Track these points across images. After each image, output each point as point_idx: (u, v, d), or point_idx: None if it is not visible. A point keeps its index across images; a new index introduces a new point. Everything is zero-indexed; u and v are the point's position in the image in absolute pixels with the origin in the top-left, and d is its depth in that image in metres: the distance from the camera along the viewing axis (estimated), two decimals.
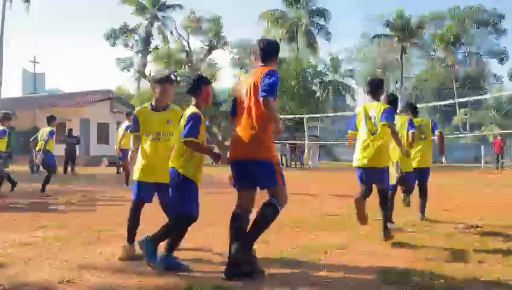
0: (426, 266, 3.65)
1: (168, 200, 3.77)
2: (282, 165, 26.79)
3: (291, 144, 26.81)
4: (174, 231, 3.58)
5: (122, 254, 3.88)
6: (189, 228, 3.65)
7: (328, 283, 3.28)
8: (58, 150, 17.44)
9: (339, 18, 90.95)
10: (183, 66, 27.70)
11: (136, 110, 4.14)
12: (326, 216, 6.33)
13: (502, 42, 55.44)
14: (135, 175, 3.93)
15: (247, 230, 3.43)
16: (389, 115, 4.55)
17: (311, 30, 37.81)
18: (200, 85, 3.66)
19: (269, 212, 3.48)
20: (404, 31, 41.84)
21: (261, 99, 3.24)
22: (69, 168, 16.44)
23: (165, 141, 3.87)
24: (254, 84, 3.37)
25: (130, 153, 4.01)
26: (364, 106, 4.77)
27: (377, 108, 4.61)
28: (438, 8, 67.06)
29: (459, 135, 34.41)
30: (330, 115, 27.22)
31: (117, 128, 12.98)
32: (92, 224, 5.55)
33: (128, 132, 3.85)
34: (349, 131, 4.98)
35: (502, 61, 49.42)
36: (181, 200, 3.52)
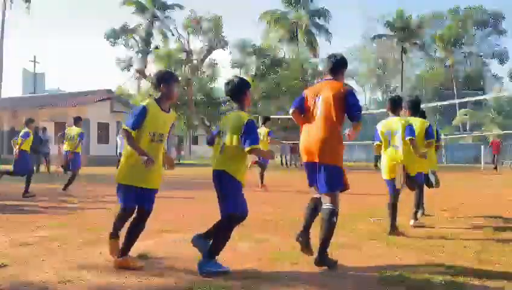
0: (426, 266, 3.65)
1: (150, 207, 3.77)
2: (282, 165, 26.84)
3: (291, 143, 26.82)
4: (227, 231, 3.61)
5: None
6: (189, 228, 3.64)
7: (328, 283, 3.28)
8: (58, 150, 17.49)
9: (339, 18, 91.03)
10: (183, 66, 27.68)
11: (147, 102, 3.62)
12: None
13: (502, 43, 55.47)
14: (124, 178, 3.68)
15: (321, 236, 3.67)
16: (412, 129, 5.09)
17: (311, 30, 37.78)
18: (244, 89, 3.71)
19: (334, 219, 3.71)
20: (404, 31, 41.86)
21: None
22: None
23: (161, 143, 3.72)
24: (333, 96, 3.75)
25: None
26: (387, 122, 5.19)
27: (398, 123, 5.09)
28: (438, 8, 67.12)
29: (459, 136, 34.44)
30: None
31: (117, 128, 12.99)
32: (92, 224, 5.55)
33: (128, 127, 3.49)
34: (376, 142, 5.31)
35: (502, 61, 49.47)
36: (235, 201, 3.58)
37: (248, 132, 3.48)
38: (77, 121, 9.85)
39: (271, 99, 27.04)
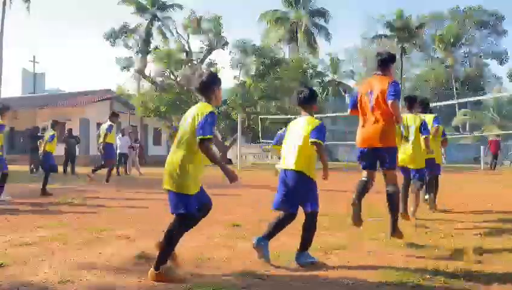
0: (426, 266, 3.66)
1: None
2: None
3: None
4: (313, 229, 3.84)
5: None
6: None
7: (328, 283, 3.28)
8: (58, 150, 17.49)
9: (339, 18, 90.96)
10: (183, 66, 27.65)
11: (212, 108, 3.41)
12: (325, 216, 6.32)
13: (501, 43, 55.53)
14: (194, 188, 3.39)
15: (391, 206, 4.60)
16: (426, 128, 5.92)
17: (311, 30, 37.80)
18: (315, 98, 4.08)
19: (396, 193, 4.64)
20: (404, 31, 41.85)
21: (389, 102, 4.38)
22: (68, 168, 16.43)
23: None
24: (382, 90, 4.46)
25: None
26: (403, 118, 5.56)
27: (413, 119, 5.81)
28: (438, 8, 67.11)
29: (459, 136, 34.44)
30: (330, 115, 27.17)
31: (116, 129, 13.05)
32: (92, 224, 5.55)
33: (210, 136, 3.22)
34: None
35: (501, 62, 49.49)
36: (314, 199, 3.85)
37: (321, 130, 3.82)
38: (112, 116, 10.92)
39: (271, 100, 26.98)
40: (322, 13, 37.57)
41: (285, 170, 3.83)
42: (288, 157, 3.84)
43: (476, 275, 3.45)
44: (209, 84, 3.50)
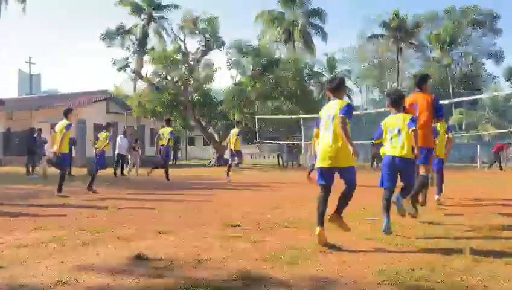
0: (425, 266, 3.66)
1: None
2: (279, 165, 26.85)
3: (288, 144, 26.82)
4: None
5: (319, 239, 4.35)
6: (187, 229, 3.64)
7: (326, 283, 3.28)
8: None
9: (335, 18, 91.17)
10: (180, 67, 27.62)
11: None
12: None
13: (497, 42, 55.73)
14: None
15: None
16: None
17: (307, 30, 37.85)
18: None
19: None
20: (400, 31, 41.97)
21: (439, 117, 6.08)
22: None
23: None
24: (424, 103, 5.85)
25: None
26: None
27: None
28: (433, 8, 67.30)
29: (455, 135, 34.50)
30: None
31: (113, 129, 13.11)
32: (89, 225, 5.53)
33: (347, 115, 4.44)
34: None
35: (497, 61, 49.66)
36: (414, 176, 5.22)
37: (414, 121, 5.00)
38: (168, 122, 12.84)
39: (268, 100, 27.00)
40: (318, 13, 37.64)
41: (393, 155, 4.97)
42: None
43: (473, 274, 3.45)
44: (341, 86, 4.71)
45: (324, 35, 38.33)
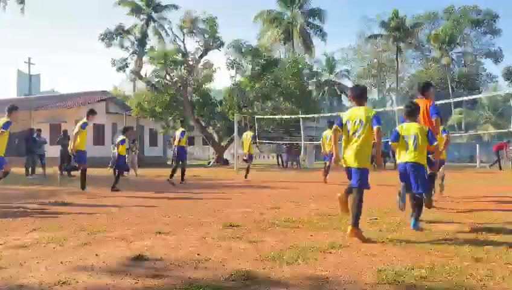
0: (423, 266, 3.66)
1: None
2: (278, 165, 26.85)
3: (287, 144, 26.81)
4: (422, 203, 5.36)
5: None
6: (186, 229, 3.63)
7: (325, 282, 3.28)
8: (53, 151, 17.41)
9: (334, 18, 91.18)
10: (179, 67, 27.61)
11: None
12: (322, 216, 6.34)
13: (496, 42, 55.75)
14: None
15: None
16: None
17: (306, 30, 37.85)
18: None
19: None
20: (400, 31, 41.99)
21: (433, 119, 6.10)
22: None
23: None
24: (425, 108, 6.11)
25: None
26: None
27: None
28: (433, 8, 67.30)
29: (455, 135, 34.50)
30: (326, 115, 27.20)
31: (113, 129, 13.14)
32: (88, 225, 5.53)
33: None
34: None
35: (496, 61, 49.71)
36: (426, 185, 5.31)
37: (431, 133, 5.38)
38: (182, 123, 14.17)
39: (267, 100, 27.01)
40: (317, 13, 37.65)
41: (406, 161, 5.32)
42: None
43: (472, 274, 3.45)
44: (364, 94, 5.12)
45: (323, 35, 38.38)
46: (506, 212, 6.75)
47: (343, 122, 4.93)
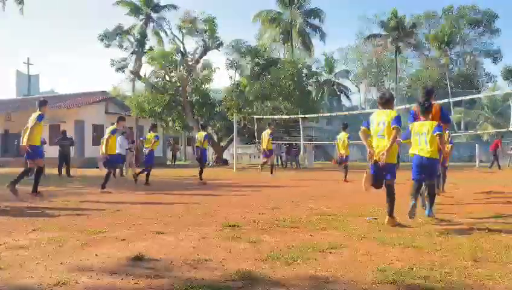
0: (422, 265, 3.67)
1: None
2: (277, 165, 26.85)
3: (287, 144, 26.81)
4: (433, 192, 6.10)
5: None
6: (186, 229, 3.63)
7: (325, 282, 3.28)
8: (52, 151, 17.40)
9: (333, 18, 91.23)
10: (178, 67, 27.61)
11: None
12: (321, 216, 6.34)
13: (495, 42, 55.77)
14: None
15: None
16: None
17: (305, 30, 37.85)
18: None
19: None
20: (399, 31, 42.00)
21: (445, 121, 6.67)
22: (63, 170, 16.34)
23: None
24: (435, 110, 6.32)
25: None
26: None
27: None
28: (432, 8, 67.33)
29: (454, 134, 34.54)
30: (325, 115, 27.23)
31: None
32: (87, 226, 5.52)
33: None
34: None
35: (495, 60, 49.75)
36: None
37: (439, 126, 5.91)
38: (203, 127, 14.46)
39: (266, 100, 27.00)
40: (316, 13, 37.64)
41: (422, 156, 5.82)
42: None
43: (471, 273, 3.46)
44: (390, 100, 5.80)
45: (322, 35, 38.36)
46: (505, 211, 6.76)
47: (369, 123, 5.69)
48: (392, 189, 5.49)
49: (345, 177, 12.70)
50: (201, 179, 12.78)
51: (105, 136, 10.41)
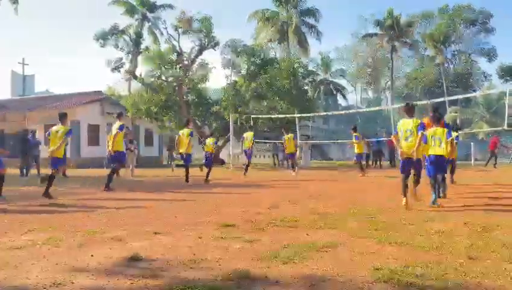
0: (419, 264, 3.67)
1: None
2: (274, 164, 26.84)
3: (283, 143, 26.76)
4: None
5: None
6: (183, 230, 3.62)
7: (321, 281, 3.28)
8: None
9: (329, 17, 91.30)
10: (174, 67, 27.54)
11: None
12: (319, 215, 6.35)
13: (490, 41, 55.98)
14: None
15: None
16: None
17: (301, 30, 37.82)
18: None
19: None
20: (394, 30, 42.05)
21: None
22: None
23: None
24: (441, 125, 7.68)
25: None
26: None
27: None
28: (427, 7, 67.56)
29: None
30: (322, 114, 27.25)
31: (107, 130, 13.16)
32: (83, 226, 5.51)
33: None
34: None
35: (490, 59, 49.92)
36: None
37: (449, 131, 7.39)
38: (213, 132, 16.47)
39: (263, 99, 26.98)
40: (312, 12, 37.61)
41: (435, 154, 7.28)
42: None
43: (467, 271, 3.47)
44: (412, 109, 7.23)
45: (318, 35, 38.34)
46: (503, 210, 6.78)
47: (398, 130, 7.13)
48: (418, 177, 7.20)
49: (362, 173, 13.82)
50: (207, 179, 12.78)
51: (113, 133, 10.34)
